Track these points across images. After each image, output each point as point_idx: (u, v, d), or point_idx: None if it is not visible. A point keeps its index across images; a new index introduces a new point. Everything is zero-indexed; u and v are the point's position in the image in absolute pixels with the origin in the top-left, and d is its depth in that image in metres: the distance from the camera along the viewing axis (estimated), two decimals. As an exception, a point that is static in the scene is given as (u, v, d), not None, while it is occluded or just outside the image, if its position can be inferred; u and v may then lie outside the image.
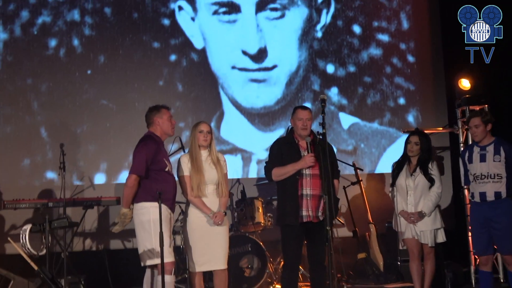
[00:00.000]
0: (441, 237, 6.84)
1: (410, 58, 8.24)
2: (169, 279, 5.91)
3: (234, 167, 6.88)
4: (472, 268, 8.23)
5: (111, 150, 7.20)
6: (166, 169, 6.08)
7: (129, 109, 7.16)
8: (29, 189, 7.38)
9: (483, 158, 6.27)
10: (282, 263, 7.70)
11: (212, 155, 6.24)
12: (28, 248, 4.72)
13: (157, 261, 5.80)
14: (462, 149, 8.80)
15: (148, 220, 5.83)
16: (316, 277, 6.26)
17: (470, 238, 7.97)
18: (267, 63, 7.27)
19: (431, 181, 6.78)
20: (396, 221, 6.91)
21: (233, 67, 7.32)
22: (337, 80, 7.66)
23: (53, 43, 7.19)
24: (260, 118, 7.16)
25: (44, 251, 4.87)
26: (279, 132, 7.31)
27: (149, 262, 5.90)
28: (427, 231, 6.75)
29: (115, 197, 7.49)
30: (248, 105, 7.27)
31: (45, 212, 6.60)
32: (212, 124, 7.32)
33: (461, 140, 9.21)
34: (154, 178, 5.97)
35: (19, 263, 5.38)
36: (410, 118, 7.84)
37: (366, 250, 8.27)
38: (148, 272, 6.08)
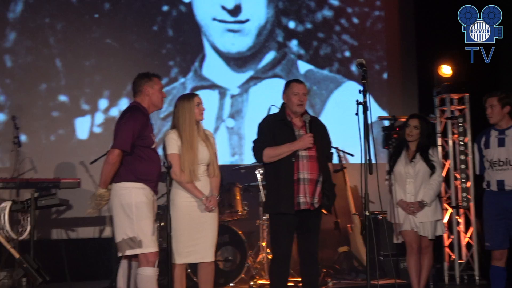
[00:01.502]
0: (441, 230, 6.29)
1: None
2: (152, 272, 5.13)
3: (212, 102, 8.11)
4: (446, 265, 7.81)
5: (113, 78, 8.14)
6: (153, 146, 5.28)
7: (129, 48, 8.21)
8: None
9: (501, 143, 5.71)
10: (261, 256, 7.12)
11: (201, 131, 5.48)
12: (7, 231, 3.80)
13: (139, 251, 5.05)
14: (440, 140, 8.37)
15: (130, 204, 5.04)
16: (308, 271, 5.58)
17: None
18: (241, 17, 8.46)
19: (432, 168, 6.21)
20: (393, 212, 6.31)
21: (214, 19, 8.45)
22: (296, 34, 8.74)
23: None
24: (234, 61, 8.36)
25: (25, 235, 3.94)
26: (249, 73, 8.42)
27: (129, 252, 5.09)
28: (428, 222, 6.17)
29: (75, 178, 6.75)
30: (225, 50, 8.42)
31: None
32: (196, 64, 8.30)
33: (439, 129, 8.78)
34: (139, 156, 5.17)
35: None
36: (354, 68, 8.79)
37: (348, 243, 7.67)
38: (124, 263, 5.28)
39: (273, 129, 5.52)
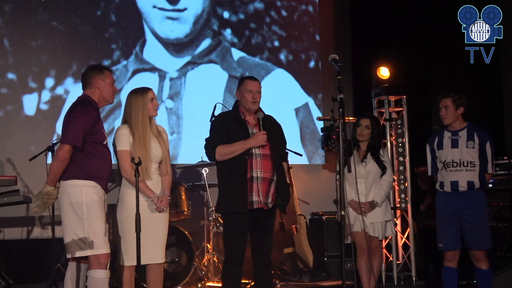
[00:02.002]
0: (390, 231, 6.27)
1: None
2: (104, 274, 4.86)
3: (152, 84, 8.29)
4: (383, 266, 7.84)
5: (59, 59, 8.23)
6: (104, 142, 5.01)
7: (74, 31, 8.33)
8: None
9: (455, 144, 5.70)
10: (207, 257, 6.93)
11: (153, 127, 5.25)
12: None
13: (89, 252, 4.78)
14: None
15: (80, 202, 4.76)
16: (261, 273, 5.43)
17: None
18: (179, 5, 8.79)
19: (383, 169, 6.19)
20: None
21: (154, 6, 8.71)
22: (230, 24, 9.07)
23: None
24: (173, 46, 8.67)
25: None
26: (187, 58, 8.75)
27: (79, 254, 4.80)
28: (378, 223, 6.14)
29: (12, 176, 6.34)
30: (165, 36, 8.71)
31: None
32: (137, 48, 8.54)
33: (378, 131, 8.82)
34: (90, 152, 4.89)
35: None
36: (282, 56, 9.28)
37: (293, 244, 7.56)
38: (72, 265, 4.98)
39: (226, 127, 5.37)
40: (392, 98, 8.69)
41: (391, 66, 8.71)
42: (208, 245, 6.91)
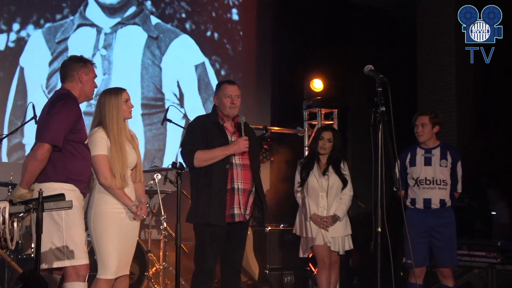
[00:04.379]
0: (348, 245, 6.22)
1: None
2: (82, 286, 4.47)
3: (92, 36, 8.98)
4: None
5: (23, 9, 8.53)
6: (85, 142, 4.59)
7: None
8: None
9: (428, 162, 5.74)
10: (156, 268, 6.55)
11: (127, 131, 4.89)
12: (4, 240, 2.90)
13: (68, 263, 4.38)
14: (307, 153, 8.38)
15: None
16: (230, 286, 5.23)
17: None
18: None
19: (345, 182, 6.15)
20: (304, 226, 6.12)
21: None
22: None
23: None
24: (107, 9, 9.17)
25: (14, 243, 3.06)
26: (117, 19, 9.26)
27: (56, 264, 4.38)
28: (339, 237, 6.09)
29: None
30: (102, 1, 9.17)
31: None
32: (81, 8, 8.96)
33: (306, 143, 8.81)
34: (70, 152, 4.45)
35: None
36: (187, 25, 9.94)
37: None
38: (54, 278, 4.52)
39: (205, 132, 5.09)
40: (323, 111, 8.73)
41: (324, 79, 8.74)
42: (151, 255, 6.54)
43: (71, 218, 4.36)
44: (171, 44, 9.41)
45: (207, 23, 9.91)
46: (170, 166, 6.90)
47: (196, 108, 9.30)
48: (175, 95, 9.31)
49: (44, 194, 4.18)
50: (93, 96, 4.84)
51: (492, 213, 8.59)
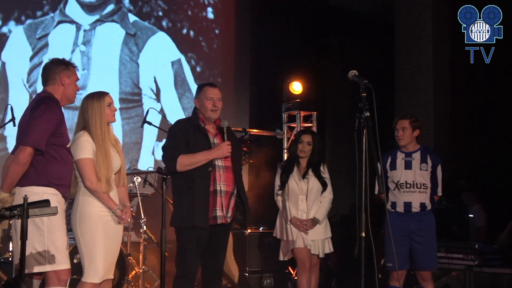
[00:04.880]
0: (328, 248, 6.24)
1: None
2: (64, 292, 4.40)
3: (71, 32, 9.13)
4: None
5: (4, 5, 8.68)
6: (68, 146, 4.55)
7: None
8: None
9: (408, 165, 5.76)
10: (136, 271, 6.51)
11: (111, 135, 4.86)
12: None
13: (49, 267, 4.33)
14: (286, 156, 8.40)
15: None
16: None
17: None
18: None
19: (324, 186, 6.17)
20: (284, 229, 6.13)
21: None
22: None
23: None
24: (87, 7, 9.27)
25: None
26: (96, 16, 9.39)
27: (37, 269, 4.33)
28: (319, 240, 6.11)
29: None
30: None
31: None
32: (61, 5, 9.02)
33: (285, 146, 8.82)
34: (52, 156, 4.41)
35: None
36: (164, 23, 10.10)
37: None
38: (34, 283, 4.48)
39: (187, 135, 5.07)
40: (302, 114, 8.75)
41: (303, 81, 8.76)
42: (132, 259, 6.50)
43: (53, 222, 4.31)
44: (148, 41, 9.58)
45: (183, 21, 10.06)
46: (149, 169, 6.94)
47: (172, 103, 9.49)
48: (152, 90, 9.43)
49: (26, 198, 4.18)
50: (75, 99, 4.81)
51: (470, 215, 8.66)
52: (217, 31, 10.21)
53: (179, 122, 5.33)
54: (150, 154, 9.11)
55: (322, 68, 9.72)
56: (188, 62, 9.86)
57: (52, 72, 4.56)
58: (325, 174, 6.22)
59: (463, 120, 10.36)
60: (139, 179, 6.55)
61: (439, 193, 5.83)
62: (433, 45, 10.27)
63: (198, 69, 9.96)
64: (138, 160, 8.73)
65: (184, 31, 10.03)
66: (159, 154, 8.48)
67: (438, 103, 10.25)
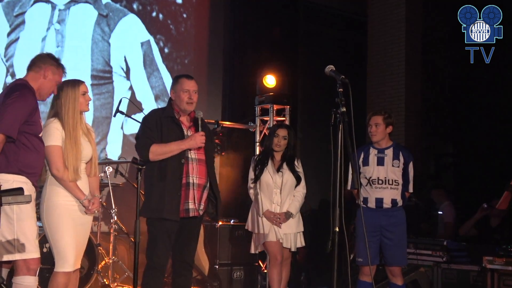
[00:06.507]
0: (300, 242, 6.27)
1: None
2: (34, 281, 4.39)
3: (47, 11, 9.21)
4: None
5: None
6: (40, 135, 4.50)
7: None
8: None
9: (381, 162, 5.79)
10: (105, 261, 6.45)
11: (83, 124, 4.81)
12: None
13: (18, 256, 4.29)
14: (259, 149, 8.41)
15: None
16: (181, 282, 5.19)
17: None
18: None
19: (298, 180, 6.19)
20: (256, 222, 6.13)
21: None
22: None
23: None
24: None
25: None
26: None
27: (6, 257, 4.28)
28: (291, 234, 6.13)
29: None
30: None
31: None
32: None
33: (258, 139, 8.81)
34: (23, 144, 4.37)
35: None
36: (134, 6, 10.16)
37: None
38: (2, 271, 4.43)
39: (161, 126, 5.04)
40: (276, 107, 8.74)
41: (277, 75, 8.75)
42: (101, 249, 6.45)
43: (23, 211, 4.26)
44: (120, 22, 9.76)
45: (153, 4, 10.18)
46: (122, 159, 6.88)
47: (141, 82, 9.64)
48: (122, 68, 9.56)
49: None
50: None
51: (439, 212, 8.73)
52: (185, 15, 10.29)
53: (153, 112, 5.30)
54: (119, 129, 9.10)
55: (296, 63, 9.72)
56: (157, 43, 10.03)
57: (40, 61, 4.57)
58: (299, 169, 6.24)
59: (433, 119, 10.46)
60: (111, 169, 6.50)
61: (410, 189, 5.87)
62: (406, 43, 10.32)
63: (166, 50, 10.08)
64: (108, 133, 8.86)
65: (154, 14, 10.14)
66: (127, 129, 9.05)
67: (409, 101, 10.31)
